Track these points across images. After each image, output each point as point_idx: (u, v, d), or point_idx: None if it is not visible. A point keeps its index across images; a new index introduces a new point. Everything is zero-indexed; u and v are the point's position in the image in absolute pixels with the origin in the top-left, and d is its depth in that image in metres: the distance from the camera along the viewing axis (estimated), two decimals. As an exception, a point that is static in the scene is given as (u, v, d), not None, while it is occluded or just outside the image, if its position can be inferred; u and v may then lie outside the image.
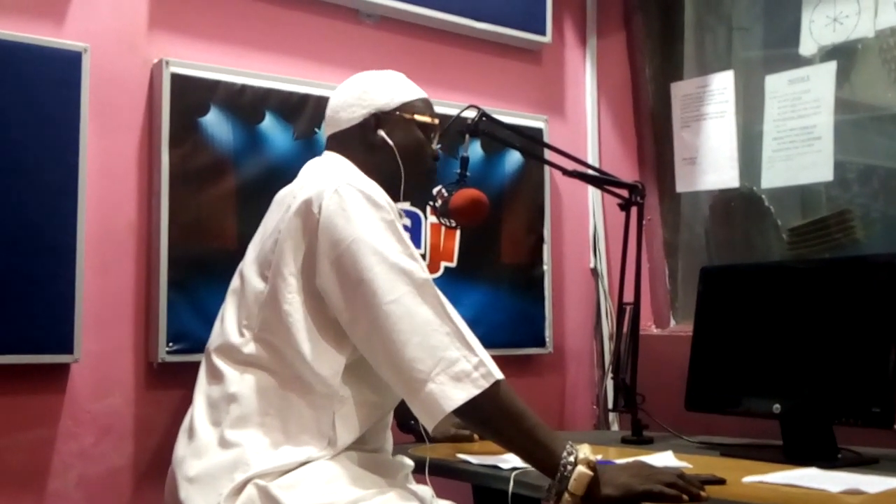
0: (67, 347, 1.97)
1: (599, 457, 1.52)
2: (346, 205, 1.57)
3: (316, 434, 1.56)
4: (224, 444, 1.55)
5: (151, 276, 2.13)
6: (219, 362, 1.64)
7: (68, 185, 1.99)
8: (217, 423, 1.58)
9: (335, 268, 1.55)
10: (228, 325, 1.66)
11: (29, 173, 1.95)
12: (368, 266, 1.53)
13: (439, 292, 1.56)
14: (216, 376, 1.63)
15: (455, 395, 1.47)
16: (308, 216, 1.58)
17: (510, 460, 1.82)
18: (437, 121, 1.84)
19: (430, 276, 1.57)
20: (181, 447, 1.63)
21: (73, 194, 1.99)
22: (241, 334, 1.62)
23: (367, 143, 1.77)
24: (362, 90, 1.79)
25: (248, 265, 1.68)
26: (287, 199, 1.66)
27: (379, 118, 1.78)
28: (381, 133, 1.77)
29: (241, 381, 1.59)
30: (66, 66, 2.00)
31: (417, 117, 1.80)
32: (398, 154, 1.77)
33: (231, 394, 1.58)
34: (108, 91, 2.11)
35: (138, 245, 2.14)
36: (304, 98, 2.33)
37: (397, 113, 1.79)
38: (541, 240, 2.78)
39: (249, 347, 1.61)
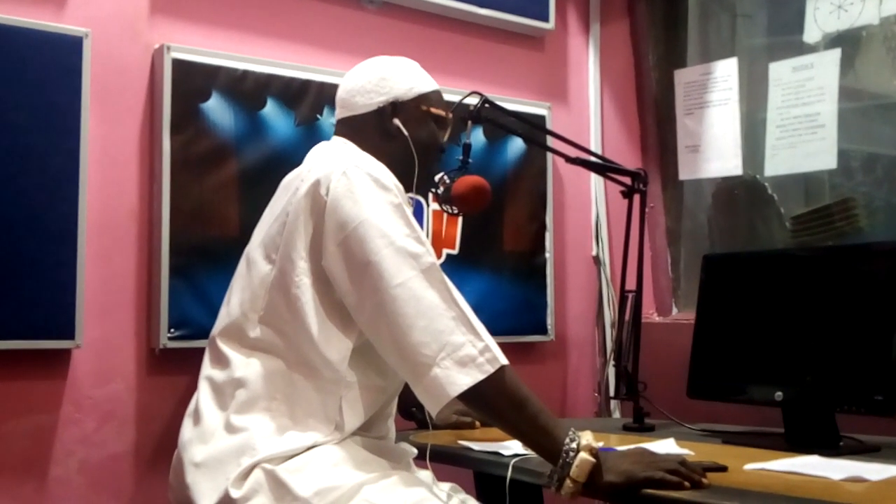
0: (69, 333, 1.97)
1: (601, 444, 1.52)
2: (354, 187, 1.56)
3: (322, 419, 1.56)
4: (230, 428, 1.55)
5: (153, 262, 2.13)
6: (224, 347, 1.64)
7: (69, 171, 1.99)
8: (223, 408, 1.58)
9: (342, 250, 1.54)
10: (234, 309, 1.65)
11: (30, 159, 1.94)
12: (375, 249, 1.52)
13: (445, 277, 1.55)
14: (222, 361, 1.63)
15: (460, 379, 1.46)
16: (316, 198, 1.58)
17: (512, 447, 1.82)
18: (450, 115, 1.84)
19: (436, 260, 1.56)
20: (187, 431, 1.62)
21: (74, 180, 1.99)
22: (247, 318, 1.62)
23: (381, 130, 1.76)
24: (380, 76, 1.77)
25: (254, 249, 1.67)
26: (295, 182, 1.65)
27: (396, 107, 1.76)
28: (397, 122, 1.76)
29: (247, 366, 1.59)
30: (67, 52, 1.99)
31: (433, 110, 1.79)
32: (412, 144, 1.76)
33: (237, 378, 1.58)
34: (110, 76, 2.11)
35: (140, 231, 2.14)
36: (306, 84, 2.32)
37: (414, 104, 1.77)
38: (543, 227, 2.77)
39: (256, 331, 1.60)
